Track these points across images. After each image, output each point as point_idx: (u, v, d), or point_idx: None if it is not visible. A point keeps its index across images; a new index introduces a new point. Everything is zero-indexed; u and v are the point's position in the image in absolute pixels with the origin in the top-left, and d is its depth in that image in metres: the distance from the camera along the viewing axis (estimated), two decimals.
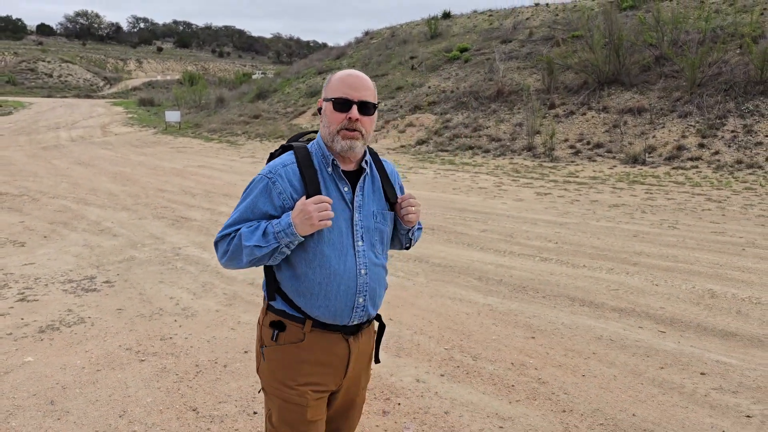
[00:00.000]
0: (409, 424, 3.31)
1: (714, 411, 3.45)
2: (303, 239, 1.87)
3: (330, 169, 1.94)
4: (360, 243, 1.95)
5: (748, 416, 3.39)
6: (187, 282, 5.90)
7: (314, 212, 1.79)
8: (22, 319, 4.87)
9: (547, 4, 29.20)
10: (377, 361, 2.19)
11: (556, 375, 3.91)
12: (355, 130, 1.90)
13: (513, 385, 3.77)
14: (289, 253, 1.89)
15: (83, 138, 24.05)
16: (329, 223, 1.82)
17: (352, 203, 1.95)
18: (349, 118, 1.88)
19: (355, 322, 1.97)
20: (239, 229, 1.91)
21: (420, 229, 2.24)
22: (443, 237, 7.77)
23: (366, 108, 1.91)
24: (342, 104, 1.89)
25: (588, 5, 25.56)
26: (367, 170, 2.00)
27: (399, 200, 2.05)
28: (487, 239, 7.67)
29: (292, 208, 1.89)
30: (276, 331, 1.97)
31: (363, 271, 1.94)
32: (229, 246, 1.92)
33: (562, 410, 3.46)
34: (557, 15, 26.37)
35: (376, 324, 2.15)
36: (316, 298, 1.92)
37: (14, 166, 15.28)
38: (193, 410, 3.44)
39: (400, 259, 6.66)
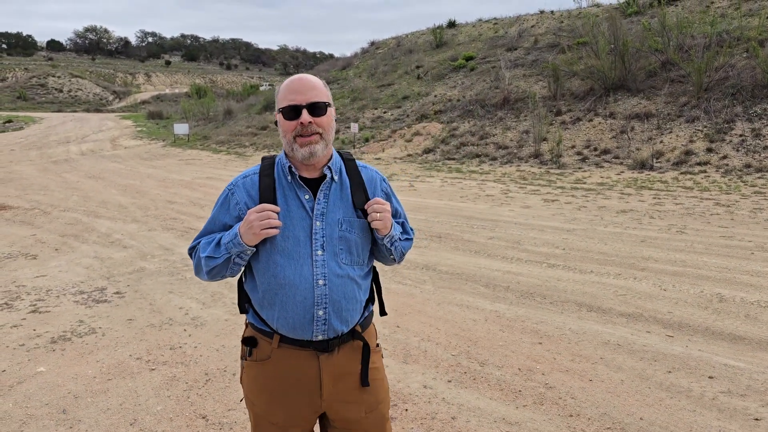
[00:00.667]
0: (416, 430, 3.33)
1: (722, 414, 3.44)
2: (254, 249, 1.84)
3: (289, 178, 1.89)
4: (319, 252, 1.85)
5: (757, 419, 3.38)
6: (196, 292, 5.96)
7: (255, 221, 1.77)
8: (35, 330, 4.93)
9: (551, 12, 29.28)
10: (364, 383, 1.96)
11: (563, 380, 3.92)
12: (311, 134, 1.84)
13: (520, 391, 3.78)
14: (242, 264, 1.88)
15: (93, 151, 24.29)
16: (273, 231, 1.79)
17: (313, 211, 1.88)
18: (301, 123, 1.82)
19: (319, 337, 1.87)
20: (195, 247, 1.97)
21: (409, 239, 2.13)
22: (451, 245, 7.79)
23: (316, 109, 1.84)
24: (290, 111, 1.84)
25: (593, 12, 25.61)
26: (330, 176, 1.91)
27: (366, 206, 1.92)
28: (495, 246, 7.69)
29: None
30: (249, 348, 1.95)
31: (321, 282, 1.84)
32: (194, 258, 1.97)
33: (570, 415, 3.47)
34: (562, 22, 26.44)
35: (361, 343, 1.98)
36: (273, 309, 1.87)
37: (26, 180, 15.45)
38: (203, 418, 3.48)
39: (408, 267, 6.69)
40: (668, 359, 4.19)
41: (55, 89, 75.92)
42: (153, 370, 4.15)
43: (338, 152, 2.02)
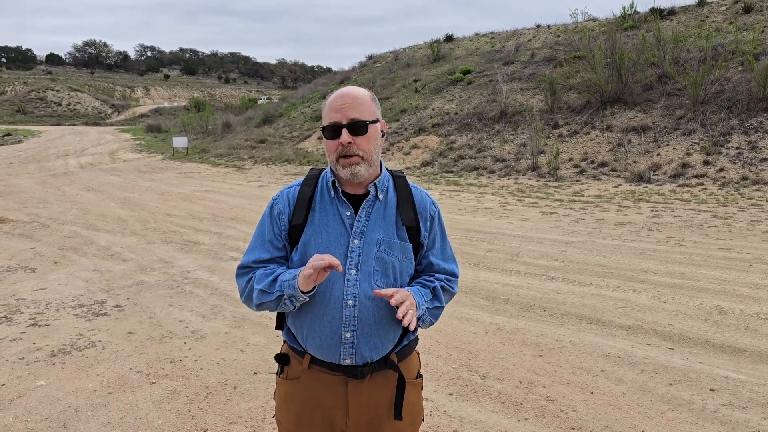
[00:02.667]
0: None
1: (724, 427, 3.44)
2: (306, 298, 1.75)
3: (332, 193, 1.84)
4: (353, 272, 1.77)
5: None
6: (196, 305, 5.95)
7: (310, 263, 1.65)
8: (34, 343, 4.92)
9: (548, 26, 29.51)
10: (396, 417, 1.85)
11: (564, 393, 3.91)
12: (352, 155, 1.75)
13: (521, 404, 3.78)
14: (292, 307, 1.78)
15: (92, 165, 24.31)
16: (322, 264, 1.63)
17: (352, 228, 1.80)
18: (341, 144, 1.74)
19: (347, 361, 1.78)
20: (256, 268, 1.87)
21: (439, 307, 1.92)
22: None
23: (357, 128, 1.75)
24: (332, 131, 1.76)
25: (589, 26, 25.82)
26: (374, 193, 1.83)
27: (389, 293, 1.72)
28: (494, 259, 7.70)
29: (287, 231, 1.86)
30: (281, 365, 1.92)
31: (350, 303, 1.76)
32: (246, 287, 1.87)
33: (571, 428, 3.47)
34: (558, 36, 26.64)
35: (396, 374, 1.86)
36: (304, 328, 1.82)
37: (24, 193, 15.45)
38: None
39: None
40: (669, 372, 4.20)
41: (54, 103, 76.13)
42: (153, 383, 4.14)
43: (389, 170, 1.94)
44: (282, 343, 1.98)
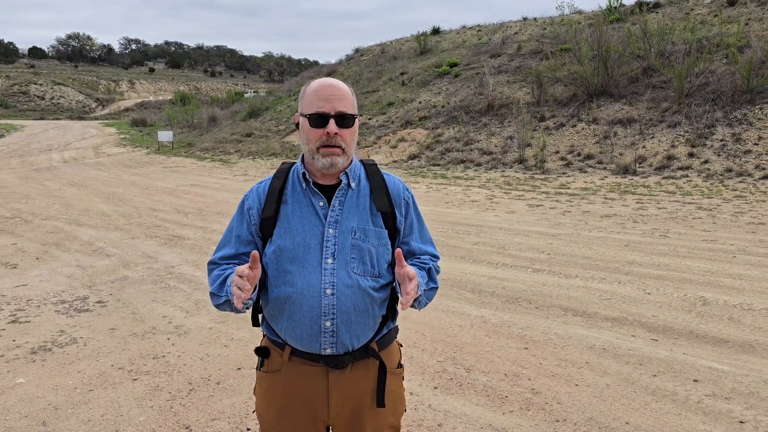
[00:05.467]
0: None
1: (707, 417, 3.46)
2: (244, 311, 1.76)
3: (303, 185, 1.85)
4: (329, 260, 1.77)
5: (741, 422, 3.40)
6: (180, 300, 5.89)
7: (233, 285, 1.66)
8: (14, 340, 4.84)
9: (534, 19, 29.54)
10: (379, 404, 1.87)
11: (549, 385, 3.91)
12: (335, 146, 1.78)
13: (506, 396, 3.77)
14: (244, 310, 1.77)
15: (76, 159, 24.04)
16: (243, 297, 1.64)
17: (326, 218, 1.81)
18: (327, 133, 1.76)
19: (327, 351, 1.79)
20: (221, 265, 1.89)
21: (434, 288, 1.94)
22: None
23: (344, 120, 1.78)
24: (318, 119, 1.77)
25: (575, 19, 25.86)
26: (346, 182, 1.85)
27: (400, 272, 1.73)
28: (480, 251, 7.69)
29: (258, 226, 1.87)
30: (261, 359, 1.91)
31: (328, 291, 1.76)
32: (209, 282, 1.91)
33: (556, 420, 3.46)
34: (545, 29, 26.66)
35: (377, 363, 1.88)
36: (281, 319, 1.81)
37: (6, 188, 15.24)
38: (186, 428, 3.43)
39: None
40: (653, 363, 4.21)
41: (37, 97, 75.14)
42: (135, 380, 4.09)
43: (360, 160, 1.96)
44: (262, 337, 1.97)
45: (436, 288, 1.95)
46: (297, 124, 1.87)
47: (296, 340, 1.80)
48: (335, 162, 1.79)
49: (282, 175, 1.90)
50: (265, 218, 1.86)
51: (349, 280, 1.78)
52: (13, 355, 4.55)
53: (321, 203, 1.83)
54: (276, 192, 1.86)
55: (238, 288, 1.63)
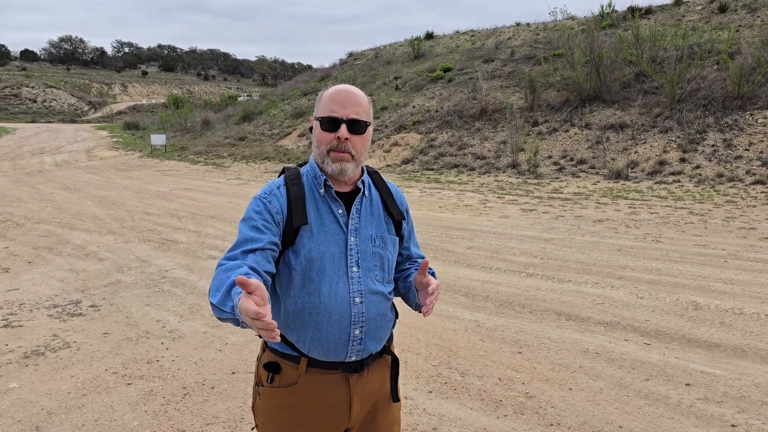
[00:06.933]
0: None
1: (699, 421, 3.48)
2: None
3: (322, 191, 1.81)
4: (355, 269, 1.77)
5: (733, 426, 3.43)
6: (173, 304, 5.88)
7: (256, 323, 1.33)
8: (7, 345, 4.82)
9: (527, 24, 29.70)
10: (395, 399, 1.90)
11: (543, 389, 3.93)
12: (344, 152, 1.76)
13: (500, 400, 3.79)
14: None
15: (68, 162, 23.93)
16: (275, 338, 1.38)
17: (347, 226, 1.80)
18: (338, 137, 1.75)
19: (353, 358, 1.78)
20: (236, 258, 1.66)
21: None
22: (430, 254, 7.80)
23: (356, 126, 1.77)
24: (330, 123, 1.76)
25: (568, 25, 26.01)
26: (364, 190, 1.85)
27: (423, 281, 1.78)
28: (474, 256, 7.72)
29: (283, 231, 1.75)
30: (271, 374, 1.81)
31: (357, 300, 1.76)
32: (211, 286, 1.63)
33: (550, 424, 3.48)
34: (538, 34, 26.80)
35: (389, 358, 1.91)
36: (306, 330, 1.75)
37: None
38: None
39: None
40: (646, 367, 4.23)
41: (29, 99, 74.81)
42: (129, 384, 4.08)
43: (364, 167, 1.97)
44: (262, 350, 1.88)
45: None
46: (311, 128, 1.86)
47: (322, 350, 1.76)
48: (344, 168, 1.77)
49: (298, 181, 1.83)
50: (294, 227, 1.76)
51: (375, 287, 1.80)
52: (6, 359, 4.53)
53: (340, 211, 1.82)
54: (301, 200, 1.79)
55: (262, 327, 1.34)
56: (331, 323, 1.73)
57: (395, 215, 1.89)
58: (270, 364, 1.82)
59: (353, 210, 1.83)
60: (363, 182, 1.85)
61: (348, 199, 1.84)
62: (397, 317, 1.97)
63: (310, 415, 1.79)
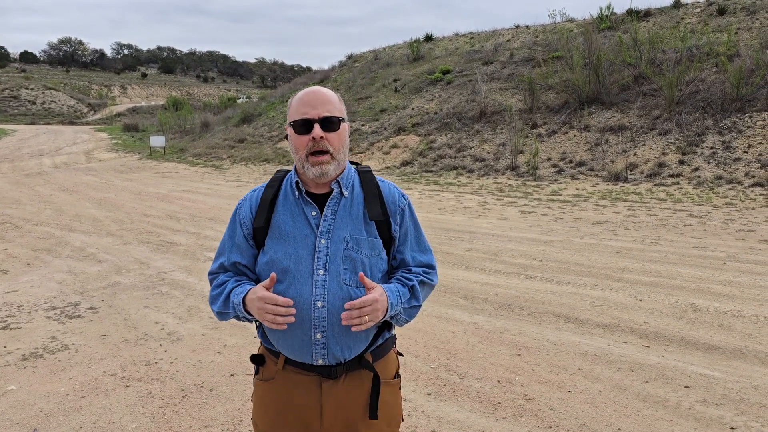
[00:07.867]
0: None
1: (698, 424, 3.48)
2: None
3: (296, 194, 1.82)
4: (321, 272, 1.74)
5: (732, 428, 3.42)
6: (172, 306, 5.87)
7: (264, 311, 1.68)
8: (5, 347, 4.81)
9: (527, 26, 29.71)
10: (372, 416, 1.82)
11: (542, 391, 3.93)
12: (323, 152, 1.74)
13: (499, 403, 3.78)
14: (252, 320, 1.81)
15: (67, 164, 23.93)
16: (283, 326, 1.69)
17: (318, 228, 1.78)
18: (313, 138, 1.73)
19: (320, 362, 1.76)
20: (221, 273, 1.91)
21: (416, 306, 1.87)
22: None
23: (329, 123, 1.75)
24: (303, 126, 1.74)
25: (567, 27, 26.04)
26: (338, 190, 1.81)
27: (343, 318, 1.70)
28: (473, 258, 7.72)
29: (251, 235, 1.86)
30: (257, 366, 1.91)
31: (319, 303, 1.73)
32: (210, 294, 1.92)
33: (549, 426, 3.48)
34: (537, 37, 26.82)
35: (371, 375, 1.84)
36: (275, 329, 1.76)
37: None
38: None
39: None
40: (645, 369, 4.23)
41: (29, 101, 74.79)
42: (128, 386, 4.07)
43: (355, 166, 1.92)
44: (259, 344, 1.97)
45: (419, 306, 1.88)
46: (287, 137, 1.85)
47: (288, 350, 1.80)
48: (325, 171, 1.75)
49: (275, 184, 1.88)
50: (256, 228, 1.84)
51: (341, 292, 1.75)
52: (4, 361, 4.52)
53: (313, 213, 1.80)
54: (268, 201, 1.84)
55: (272, 312, 1.68)
56: (293, 325, 1.72)
57: (372, 215, 1.81)
58: (256, 356, 1.91)
59: (327, 211, 1.80)
60: (338, 182, 1.81)
61: (326, 200, 1.82)
62: (386, 328, 1.89)
63: (284, 413, 1.84)
